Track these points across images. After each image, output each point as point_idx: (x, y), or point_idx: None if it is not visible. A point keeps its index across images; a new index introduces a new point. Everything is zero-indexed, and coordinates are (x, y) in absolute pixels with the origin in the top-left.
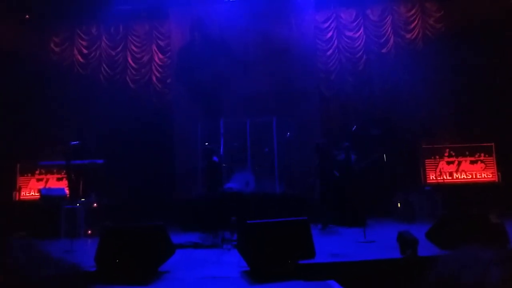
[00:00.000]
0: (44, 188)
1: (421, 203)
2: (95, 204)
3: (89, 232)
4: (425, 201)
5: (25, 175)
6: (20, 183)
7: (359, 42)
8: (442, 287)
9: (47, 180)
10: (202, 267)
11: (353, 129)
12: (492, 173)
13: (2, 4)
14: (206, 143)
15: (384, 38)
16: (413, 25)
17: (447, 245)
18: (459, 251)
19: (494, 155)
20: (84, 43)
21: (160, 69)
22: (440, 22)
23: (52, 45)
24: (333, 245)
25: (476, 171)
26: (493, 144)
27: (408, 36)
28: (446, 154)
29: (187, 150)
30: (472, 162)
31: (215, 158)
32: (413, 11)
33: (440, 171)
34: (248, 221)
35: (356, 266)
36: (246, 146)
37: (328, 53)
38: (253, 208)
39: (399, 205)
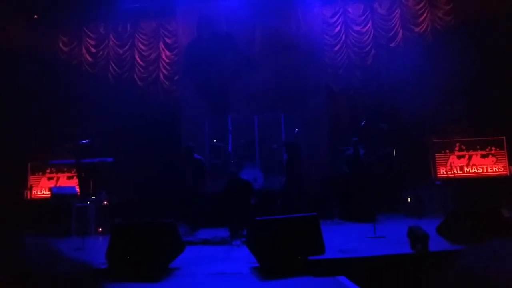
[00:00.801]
0: (55, 186)
1: (431, 197)
2: (105, 202)
3: (100, 229)
4: (435, 196)
5: (36, 174)
6: (31, 182)
7: (367, 37)
8: (469, 279)
9: (58, 178)
10: (212, 263)
11: (362, 123)
12: (503, 166)
13: (10, 5)
14: (214, 140)
15: (393, 32)
16: (421, 18)
17: (458, 240)
18: (489, 243)
19: (505, 148)
20: (92, 42)
21: (167, 67)
22: (449, 15)
23: (60, 44)
24: (342, 240)
25: (487, 165)
26: (504, 137)
27: (417, 29)
28: (457, 148)
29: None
30: (483, 156)
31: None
32: (421, 4)
33: (451, 165)
34: (257, 218)
35: (366, 262)
36: (254, 143)
37: (336, 48)
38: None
39: (409, 200)
